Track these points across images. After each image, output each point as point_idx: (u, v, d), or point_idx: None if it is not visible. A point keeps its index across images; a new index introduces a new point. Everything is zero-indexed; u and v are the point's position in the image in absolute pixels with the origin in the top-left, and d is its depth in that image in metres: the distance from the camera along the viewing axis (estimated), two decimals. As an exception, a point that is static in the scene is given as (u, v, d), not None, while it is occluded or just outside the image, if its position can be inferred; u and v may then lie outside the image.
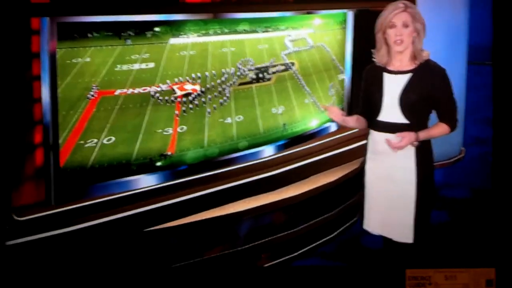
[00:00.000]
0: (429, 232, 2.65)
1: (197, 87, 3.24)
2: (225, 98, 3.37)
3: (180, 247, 3.08)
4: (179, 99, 3.15)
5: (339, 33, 4.14)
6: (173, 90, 3.13)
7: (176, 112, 3.14)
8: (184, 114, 3.18)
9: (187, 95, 3.19)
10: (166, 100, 3.10)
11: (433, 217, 2.69)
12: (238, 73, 3.44)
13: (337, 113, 2.67)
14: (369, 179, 2.69)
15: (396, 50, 2.53)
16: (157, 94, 3.06)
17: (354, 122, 2.74)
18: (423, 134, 2.53)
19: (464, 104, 5.13)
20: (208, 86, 3.29)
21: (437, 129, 2.57)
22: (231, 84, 3.41)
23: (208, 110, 3.30)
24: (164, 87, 3.07)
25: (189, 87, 3.19)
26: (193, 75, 3.22)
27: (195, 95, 3.23)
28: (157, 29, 3.04)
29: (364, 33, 3.45)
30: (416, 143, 2.51)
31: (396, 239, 2.63)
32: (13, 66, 2.54)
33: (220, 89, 3.35)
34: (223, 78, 3.37)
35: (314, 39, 3.94)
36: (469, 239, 3.75)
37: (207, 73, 3.29)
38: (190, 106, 3.21)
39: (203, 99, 3.27)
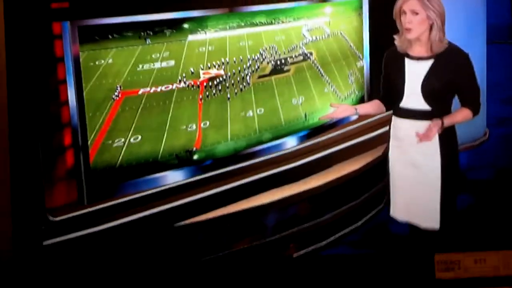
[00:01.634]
0: (455, 217, 2.65)
1: (222, 72, 3.28)
2: (245, 84, 3.40)
3: (209, 240, 3.12)
4: (204, 83, 3.19)
5: (356, 20, 4.12)
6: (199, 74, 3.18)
7: (200, 96, 3.18)
8: (207, 98, 3.21)
9: (211, 79, 3.23)
10: (192, 84, 3.14)
11: (458, 201, 2.69)
12: (262, 59, 3.46)
13: (347, 109, 2.67)
14: (393, 166, 2.69)
15: (408, 38, 2.51)
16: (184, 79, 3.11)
17: (371, 108, 2.73)
18: (447, 121, 2.51)
19: (485, 84, 5.08)
20: (233, 71, 3.33)
21: (460, 114, 2.55)
22: (253, 71, 3.43)
23: (229, 96, 3.33)
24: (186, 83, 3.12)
25: (213, 71, 3.23)
26: (222, 59, 3.26)
27: (219, 80, 3.26)
28: (175, 26, 3.07)
29: (381, 19, 3.44)
30: (440, 130, 2.50)
31: (423, 226, 2.64)
32: (39, 71, 2.59)
33: (242, 75, 3.38)
34: (248, 64, 3.39)
35: (330, 27, 3.93)
36: (497, 221, 3.72)
37: (234, 59, 3.33)
38: (214, 91, 3.24)
39: (227, 84, 3.31)
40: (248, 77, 3.40)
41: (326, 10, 3.89)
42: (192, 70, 3.14)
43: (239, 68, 3.35)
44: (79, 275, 2.69)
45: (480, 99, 2.59)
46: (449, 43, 2.54)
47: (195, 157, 3.18)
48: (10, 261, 2.47)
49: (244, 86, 3.39)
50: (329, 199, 3.57)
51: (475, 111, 2.58)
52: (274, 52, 3.53)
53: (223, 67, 3.27)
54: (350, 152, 3.89)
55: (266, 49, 3.49)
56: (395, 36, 2.59)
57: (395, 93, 2.59)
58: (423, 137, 2.47)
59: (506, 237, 3.43)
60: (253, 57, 3.43)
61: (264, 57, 3.48)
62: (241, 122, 3.39)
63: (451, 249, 2.83)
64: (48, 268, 2.60)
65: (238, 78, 3.35)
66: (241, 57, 3.36)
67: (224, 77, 3.28)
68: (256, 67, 3.45)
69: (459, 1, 4.76)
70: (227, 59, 3.28)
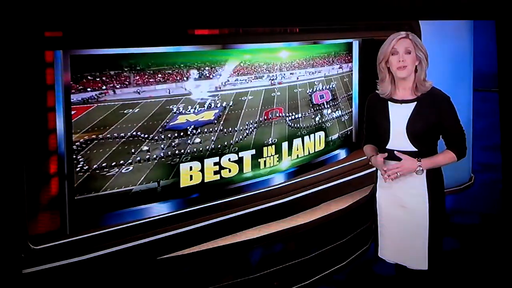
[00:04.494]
0: (441, 259, 2.63)
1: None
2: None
3: (192, 274, 3.07)
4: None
5: (345, 60, 4.21)
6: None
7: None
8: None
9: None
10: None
11: (444, 244, 2.68)
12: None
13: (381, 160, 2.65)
14: (381, 206, 2.68)
15: (399, 77, 2.54)
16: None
17: (374, 152, 2.72)
18: (427, 162, 2.52)
19: (471, 131, 5.15)
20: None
21: (443, 157, 2.56)
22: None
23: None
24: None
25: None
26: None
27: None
28: (170, 60, 3.10)
29: (370, 62, 3.52)
30: (420, 170, 2.51)
31: (411, 266, 2.61)
32: (29, 98, 2.58)
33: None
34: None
35: (333, 69, 4.04)
36: (480, 266, 3.72)
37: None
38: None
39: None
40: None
41: (321, 50, 3.98)
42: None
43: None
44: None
45: (465, 142, 2.60)
46: (432, 86, 2.59)
47: (182, 190, 3.17)
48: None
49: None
50: (315, 237, 3.55)
51: (460, 154, 2.58)
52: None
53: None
54: (337, 191, 3.90)
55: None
56: (378, 81, 2.63)
57: (381, 136, 2.60)
58: (394, 169, 2.51)
59: (489, 283, 3.43)
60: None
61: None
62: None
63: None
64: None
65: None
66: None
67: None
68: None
69: (446, 49, 4.86)
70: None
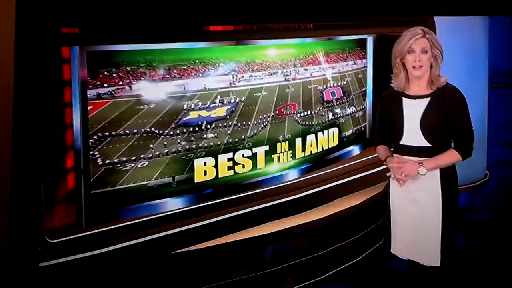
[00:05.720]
0: (454, 256, 2.63)
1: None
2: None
3: (206, 269, 3.10)
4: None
5: (358, 56, 4.19)
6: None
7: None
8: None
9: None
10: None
11: (458, 241, 2.68)
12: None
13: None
14: (395, 202, 2.69)
15: (415, 75, 2.55)
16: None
17: (389, 153, 2.72)
18: (430, 162, 2.52)
19: (486, 127, 5.12)
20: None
21: (446, 157, 2.54)
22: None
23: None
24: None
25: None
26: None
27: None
28: (185, 56, 3.12)
29: (384, 58, 3.51)
30: (424, 170, 2.51)
31: (424, 262, 2.61)
32: (46, 93, 2.61)
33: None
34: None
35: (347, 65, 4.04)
36: (494, 263, 3.71)
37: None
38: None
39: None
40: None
41: (335, 46, 3.98)
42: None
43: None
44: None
45: (472, 141, 2.58)
46: (446, 83, 2.59)
47: (196, 185, 3.19)
48: (5, 281, 2.44)
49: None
50: (328, 233, 3.56)
51: (466, 153, 2.55)
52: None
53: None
54: (351, 187, 3.89)
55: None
56: (392, 76, 2.63)
57: (395, 131, 2.61)
58: (398, 174, 2.53)
59: (502, 280, 3.41)
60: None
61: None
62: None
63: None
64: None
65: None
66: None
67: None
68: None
69: (462, 45, 4.84)
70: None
